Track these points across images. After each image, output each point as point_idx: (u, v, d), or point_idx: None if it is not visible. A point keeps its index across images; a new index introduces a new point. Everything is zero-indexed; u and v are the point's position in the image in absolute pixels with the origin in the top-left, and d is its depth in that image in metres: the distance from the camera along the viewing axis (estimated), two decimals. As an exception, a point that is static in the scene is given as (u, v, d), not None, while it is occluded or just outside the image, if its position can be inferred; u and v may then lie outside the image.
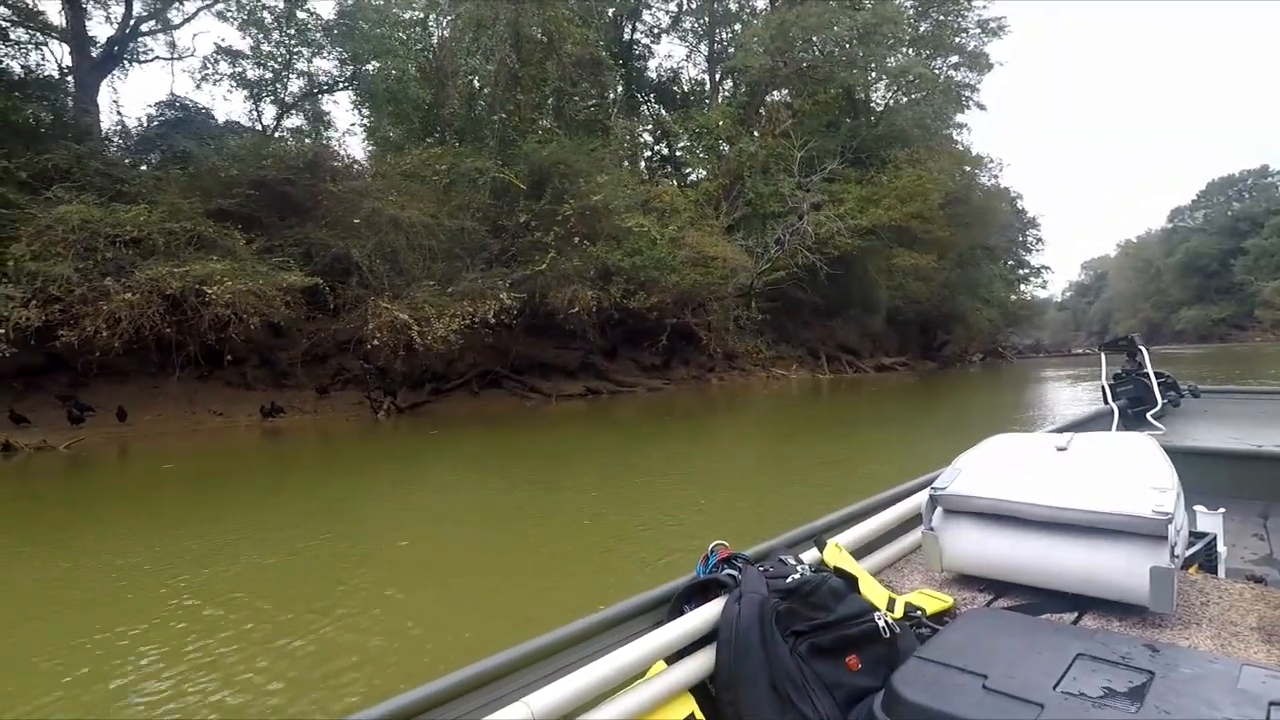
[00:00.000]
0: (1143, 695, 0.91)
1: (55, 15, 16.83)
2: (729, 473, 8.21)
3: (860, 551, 1.65)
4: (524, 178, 17.73)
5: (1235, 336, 60.13)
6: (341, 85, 21.61)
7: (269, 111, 20.90)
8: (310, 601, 3.80)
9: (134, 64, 19.21)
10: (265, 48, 20.13)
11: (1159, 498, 1.34)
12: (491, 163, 17.58)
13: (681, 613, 1.24)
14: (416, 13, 21.68)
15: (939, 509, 1.62)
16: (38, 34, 16.18)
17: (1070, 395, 15.78)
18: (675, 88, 31.99)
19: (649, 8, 30.10)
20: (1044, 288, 53.77)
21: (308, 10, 19.63)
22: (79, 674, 3.00)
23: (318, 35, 20.20)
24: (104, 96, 17.60)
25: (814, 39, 26.54)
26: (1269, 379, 16.52)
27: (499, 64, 19.49)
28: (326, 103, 22.53)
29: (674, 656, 1.16)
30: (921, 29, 31.39)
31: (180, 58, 20.19)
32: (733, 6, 31.35)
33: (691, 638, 1.18)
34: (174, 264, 11.23)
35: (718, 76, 30.84)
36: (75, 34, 16.73)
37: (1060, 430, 2.58)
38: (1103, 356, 4.56)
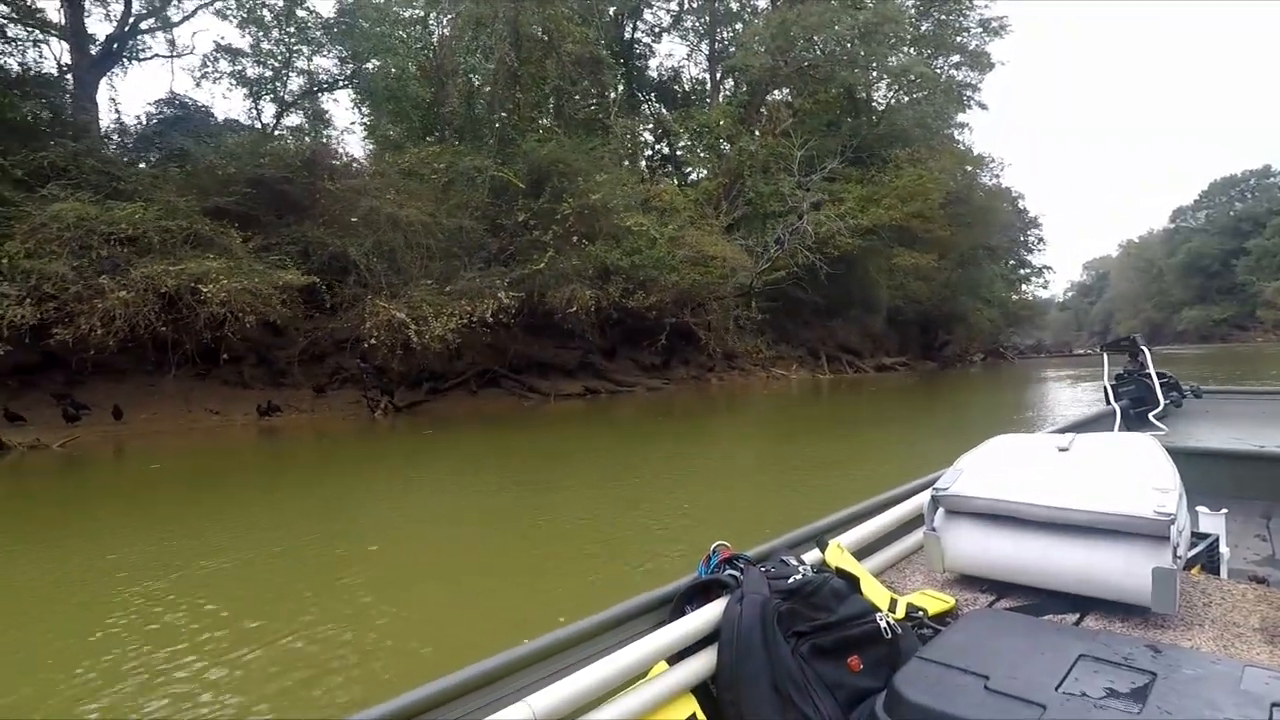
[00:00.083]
0: (1145, 696, 0.91)
1: (54, 12, 16.84)
2: (728, 472, 8.16)
3: (862, 552, 1.64)
4: (523, 176, 17.67)
5: (1237, 337, 60.05)
6: (341, 83, 21.60)
7: (269, 110, 20.90)
8: (275, 606, 3.73)
9: (133, 62, 19.20)
10: (265, 46, 20.11)
11: (1161, 498, 1.34)
12: (490, 161, 17.52)
13: (683, 613, 1.24)
14: (417, 11, 21.64)
15: (941, 509, 1.61)
16: (36, 31, 16.15)
17: (1071, 396, 15.71)
18: (676, 87, 31.96)
19: (650, 7, 30.11)
20: (1045, 288, 53.76)
21: (307, 8, 19.62)
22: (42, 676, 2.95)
23: (318, 33, 20.18)
24: (103, 94, 17.51)
25: (815, 38, 26.45)
26: (1271, 379, 16.45)
27: (498, 62, 19.44)
28: (326, 101, 22.56)
29: (675, 657, 1.16)
30: (923, 28, 31.30)
31: (180, 56, 20.18)
32: (734, 5, 31.32)
33: (693, 638, 1.18)
34: (170, 262, 11.19)
35: (718, 75, 30.80)
36: (74, 31, 16.70)
37: (1062, 431, 2.55)
38: (1105, 357, 4.54)
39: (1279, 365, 22.76)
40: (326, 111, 22.29)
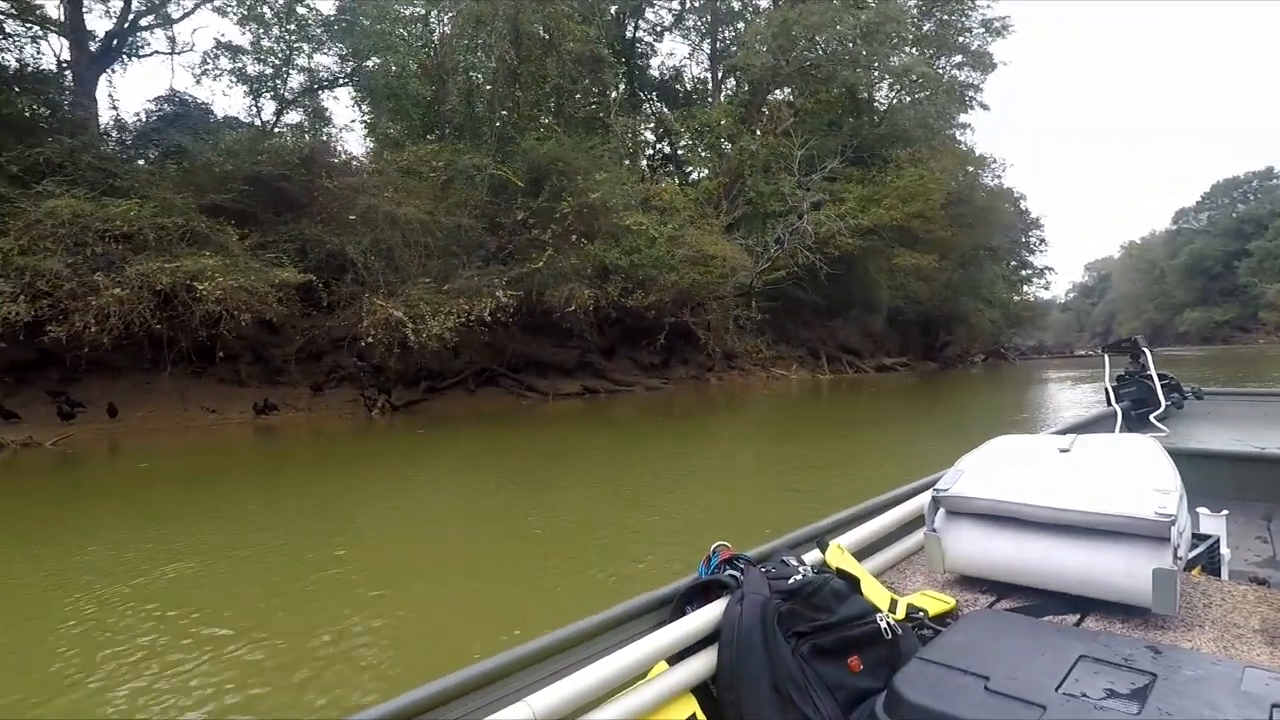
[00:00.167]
0: (1145, 697, 0.91)
1: (54, 8, 16.80)
2: (727, 472, 8.10)
3: (862, 553, 1.64)
4: (522, 175, 17.61)
5: (1239, 339, 59.95)
6: (342, 81, 21.55)
7: (269, 107, 20.86)
8: (244, 616, 3.65)
9: (133, 58, 19.18)
10: (265, 43, 20.08)
11: (1162, 499, 1.34)
12: (489, 159, 17.46)
13: (683, 613, 1.24)
14: (418, 9, 21.58)
15: (941, 510, 1.61)
16: (35, 27, 16.11)
17: (1071, 397, 15.64)
18: (678, 86, 31.90)
19: (652, 5, 30.03)
20: (1047, 289, 53.72)
21: (307, 5, 19.58)
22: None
23: (318, 31, 20.14)
24: (102, 91, 17.45)
25: (817, 37, 26.38)
26: (1273, 381, 16.37)
27: (498, 60, 19.38)
28: (327, 99, 22.50)
29: (676, 657, 1.16)
30: (925, 28, 31.19)
31: (179, 53, 20.16)
32: (735, 5, 31.23)
33: (693, 638, 1.18)
34: (165, 259, 11.13)
35: (720, 75, 30.73)
36: (73, 28, 16.66)
37: (1063, 431, 2.54)
38: (1106, 358, 4.51)
39: (1281, 367, 22.67)
40: (327, 109, 22.28)
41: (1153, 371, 3.88)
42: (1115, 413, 3.66)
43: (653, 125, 30.22)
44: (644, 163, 29.26)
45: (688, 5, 30.56)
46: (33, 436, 10.26)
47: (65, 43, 16.86)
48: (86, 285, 10.60)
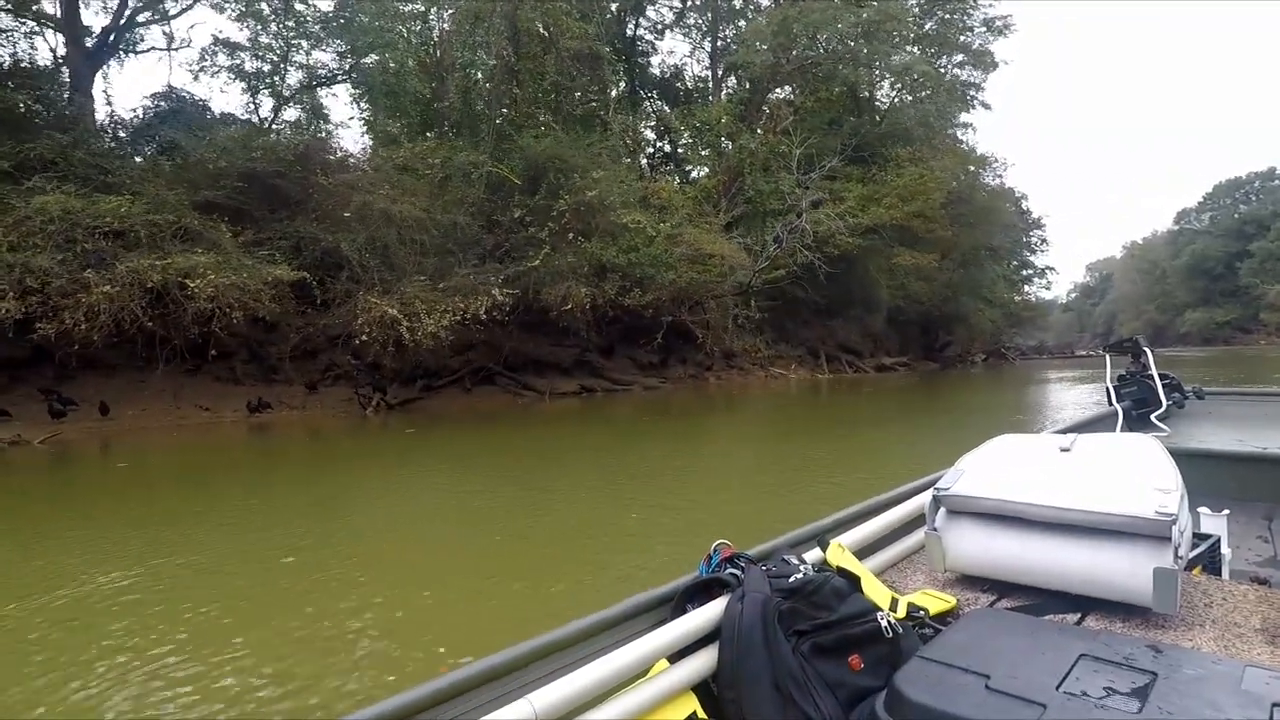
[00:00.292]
0: (1145, 696, 0.91)
1: (49, 4, 16.70)
2: (725, 472, 8.02)
3: (863, 552, 1.64)
4: (519, 172, 17.51)
5: (1240, 339, 59.85)
6: (340, 78, 21.44)
7: (266, 104, 20.77)
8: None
9: (129, 54, 19.08)
10: (263, 39, 19.97)
11: (1163, 499, 1.34)
12: (486, 157, 17.36)
13: (684, 611, 1.24)
14: (417, 6, 21.48)
15: (942, 509, 1.62)
16: (31, 23, 16.02)
17: (1071, 398, 15.53)
18: (678, 84, 31.82)
19: (653, 3, 29.94)
20: (1048, 289, 53.62)
21: (306, 2, 19.46)
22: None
23: (315, 27, 20.04)
24: (98, 87, 17.37)
25: (817, 35, 26.29)
26: (1274, 382, 16.27)
27: (496, 58, 19.29)
28: (325, 96, 22.43)
29: (676, 655, 1.16)
30: (926, 26, 31.08)
31: (177, 49, 20.05)
32: (736, 3, 31.16)
33: (694, 636, 1.17)
34: (157, 256, 11.03)
35: (720, 73, 30.65)
36: (69, 23, 16.57)
37: (1064, 431, 2.49)
38: (1107, 358, 4.51)
39: (1283, 368, 22.56)
40: (325, 107, 22.18)
41: (1154, 371, 3.87)
42: (1116, 412, 3.64)
43: (653, 123, 30.17)
44: (644, 161, 29.19)
45: (689, 3, 30.48)
46: (21, 434, 10.17)
47: (61, 38, 16.79)
48: (77, 282, 10.51)
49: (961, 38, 31.39)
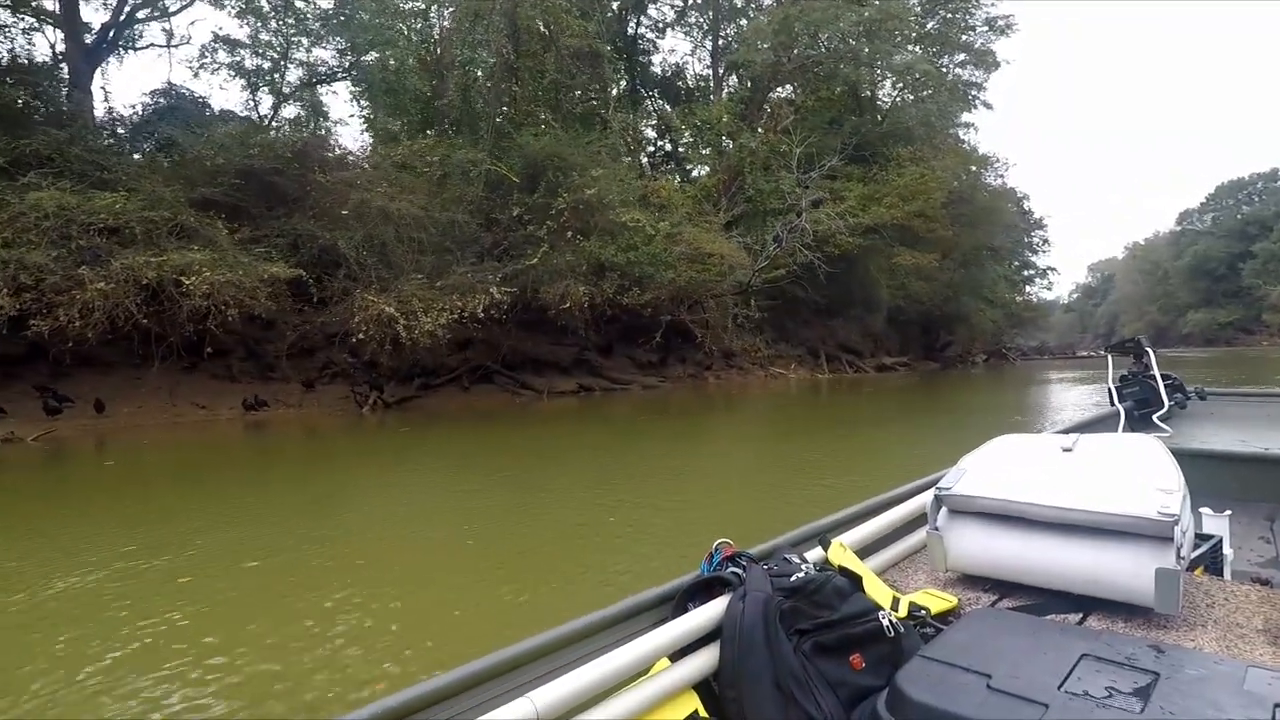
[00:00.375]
0: (1147, 696, 0.91)
1: (49, 0, 16.65)
2: (724, 472, 7.95)
3: (865, 551, 1.64)
4: (518, 170, 17.45)
5: (1242, 340, 59.73)
6: (340, 76, 21.42)
7: (266, 101, 20.74)
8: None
9: (129, 51, 19.07)
10: (263, 36, 19.95)
11: (1165, 499, 1.34)
12: (484, 154, 17.30)
13: (685, 610, 1.23)
14: (417, 3, 21.43)
15: (944, 509, 1.62)
16: (29, 18, 15.98)
17: (1072, 398, 15.45)
18: (679, 83, 31.75)
19: (654, 2, 29.86)
20: (1050, 289, 53.55)
21: (305, -2, 19.42)
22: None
23: (315, 25, 20.01)
24: (96, 84, 17.32)
25: (818, 34, 26.22)
26: (1276, 383, 16.18)
27: (496, 55, 19.23)
28: (325, 94, 22.41)
29: (678, 654, 1.16)
30: (928, 26, 30.98)
31: (176, 46, 20.03)
32: (738, 1, 31.07)
33: (695, 635, 1.17)
34: (152, 253, 10.98)
35: (721, 71, 30.59)
36: (68, 19, 16.53)
37: (1066, 431, 2.47)
38: (1109, 358, 4.48)
39: (1286, 369, 22.46)
40: (325, 104, 22.16)
41: (1156, 371, 3.82)
42: (1118, 412, 3.61)
43: (654, 122, 30.10)
44: (645, 160, 29.13)
45: (690, 2, 30.42)
46: (14, 432, 10.11)
47: (60, 34, 16.75)
48: (71, 279, 10.45)
49: (963, 37, 31.30)
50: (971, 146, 34.90)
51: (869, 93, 30.59)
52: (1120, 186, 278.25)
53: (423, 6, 21.50)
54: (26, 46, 16.16)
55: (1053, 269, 63.12)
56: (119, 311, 10.61)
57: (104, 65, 17.68)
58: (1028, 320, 44.85)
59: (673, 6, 30.54)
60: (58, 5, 16.58)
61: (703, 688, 1.16)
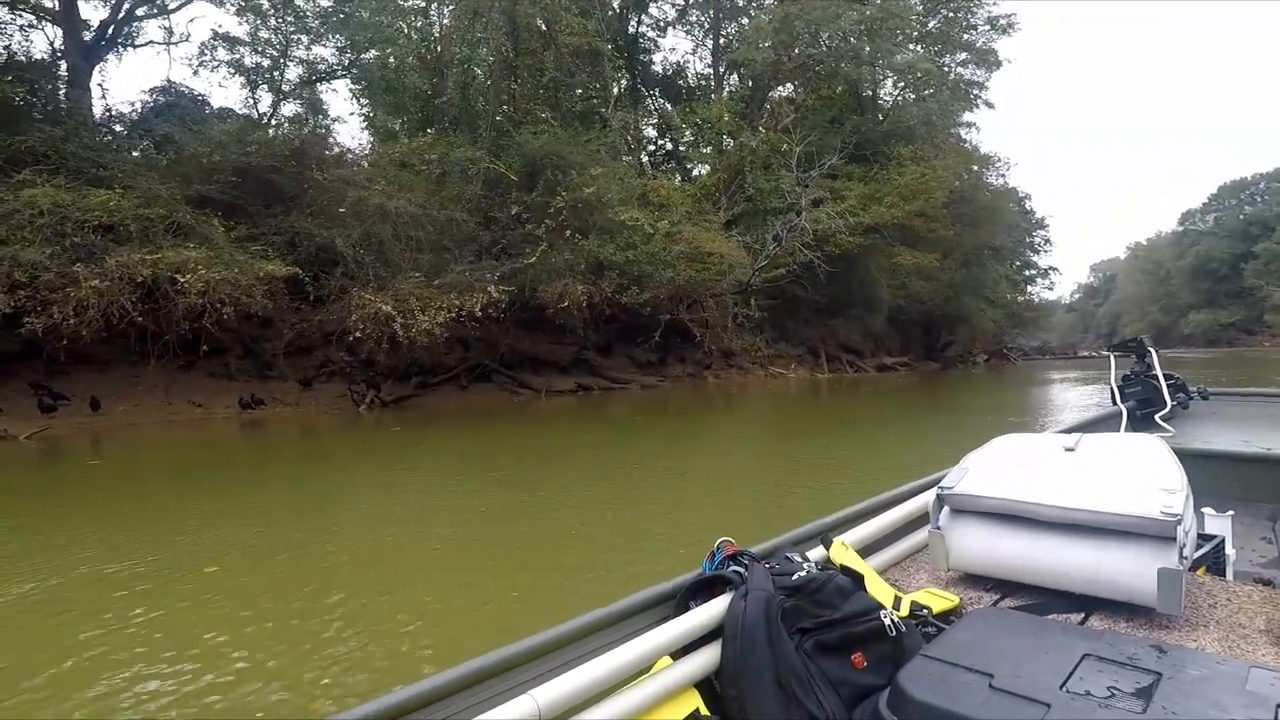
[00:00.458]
0: (1150, 696, 0.90)
1: (47, -3, 16.59)
2: (724, 472, 7.89)
3: (867, 550, 1.64)
4: (517, 169, 17.39)
5: (1244, 341, 59.63)
6: (340, 74, 21.38)
7: (266, 99, 20.70)
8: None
9: (128, 49, 19.00)
10: (262, 34, 19.92)
11: (1167, 499, 1.34)
12: (483, 153, 17.24)
13: (687, 609, 1.23)
14: (417, 1, 21.38)
15: (946, 508, 1.62)
16: (27, 15, 15.92)
17: (1073, 398, 15.39)
18: (680, 82, 31.71)
19: (655, 0, 29.79)
20: (1051, 289, 53.46)
21: (305, -5, 19.37)
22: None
23: (315, 23, 19.97)
24: (97, 80, 17.27)
25: (819, 33, 26.14)
26: (1278, 383, 16.09)
27: (495, 53, 19.17)
28: (325, 92, 22.38)
29: (679, 652, 1.16)
30: (930, 25, 30.90)
31: (175, 43, 20.00)
32: (739, 0, 30.98)
33: (697, 634, 1.17)
34: (148, 251, 10.93)
35: (722, 70, 30.53)
36: (67, 16, 16.47)
37: (1068, 431, 2.45)
38: (1111, 358, 4.42)
39: (1288, 370, 22.38)
40: (324, 102, 22.12)
41: (1158, 371, 3.80)
42: (1120, 412, 3.60)
43: (655, 121, 30.04)
44: (646, 159, 29.09)
45: (691, 0, 30.34)
46: (8, 430, 10.05)
47: (59, 31, 16.69)
48: (65, 276, 10.40)
49: (965, 36, 31.22)
50: (973, 146, 34.86)
51: (870, 92, 30.50)
52: (1122, 186, 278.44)
53: (422, 4, 21.46)
54: (24, 44, 16.11)
55: (1054, 269, 63.17)
56: (114, 309, 10.56)
57: (103, 63, 17.63)
58: (1029, 320, 44.79)
59: (674, 5, 30.56)
60: (56, 2, 16.53)
61: (704, 686, 1.16)
